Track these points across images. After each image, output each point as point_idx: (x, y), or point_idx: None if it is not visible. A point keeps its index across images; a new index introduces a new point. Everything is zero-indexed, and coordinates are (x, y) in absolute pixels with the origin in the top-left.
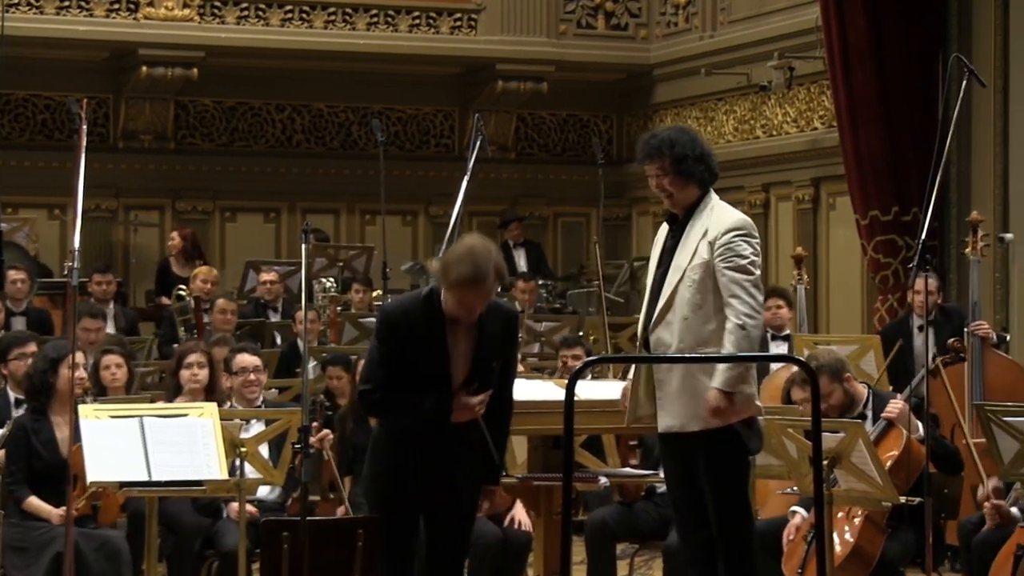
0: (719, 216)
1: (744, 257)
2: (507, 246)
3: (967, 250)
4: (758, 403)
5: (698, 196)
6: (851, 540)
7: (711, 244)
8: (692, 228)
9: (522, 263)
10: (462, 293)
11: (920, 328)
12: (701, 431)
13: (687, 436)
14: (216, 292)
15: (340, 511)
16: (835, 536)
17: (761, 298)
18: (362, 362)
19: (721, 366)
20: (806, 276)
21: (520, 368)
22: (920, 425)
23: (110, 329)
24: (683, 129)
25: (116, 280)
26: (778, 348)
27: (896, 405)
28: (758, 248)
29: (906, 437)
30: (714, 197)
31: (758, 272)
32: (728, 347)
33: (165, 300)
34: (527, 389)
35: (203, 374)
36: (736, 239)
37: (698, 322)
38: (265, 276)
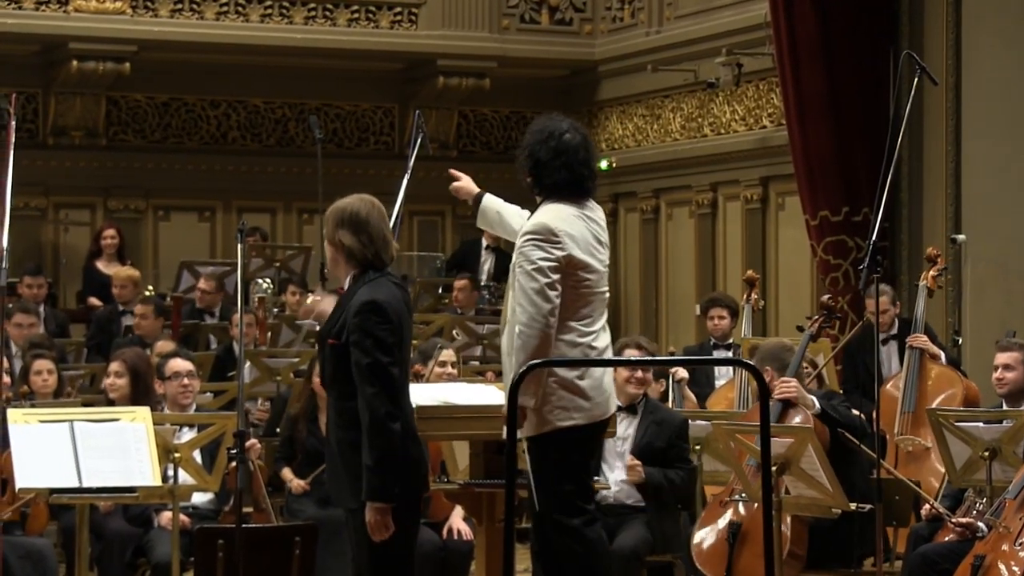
0: (531, 220)
1: (532, 263)
2: (478, 245)
3: (921, 281)
4: (576, 415)
5: (540, 200)
6: (785, 544)
7: (516, 248)
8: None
9: (487, 267)
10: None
11: (884, 341)
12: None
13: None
14: (137, 294)
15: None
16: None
17: (546, 306)
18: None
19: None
20: (754, 296)
21: (448, 370)
22: (816, 400)
23: (40, 331)
24: (544, 130)
25: (47, 281)
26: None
27: (788, 384)
28: (555, 252)
29: (810, 416)
30: (550, 201)
31: (548, 277)
32: (514, 355)
33: (94, 301)
34: (468, 393)
35: (120, 383)
36: (527, 244)
37: (513, 327)
38: (203, 284)
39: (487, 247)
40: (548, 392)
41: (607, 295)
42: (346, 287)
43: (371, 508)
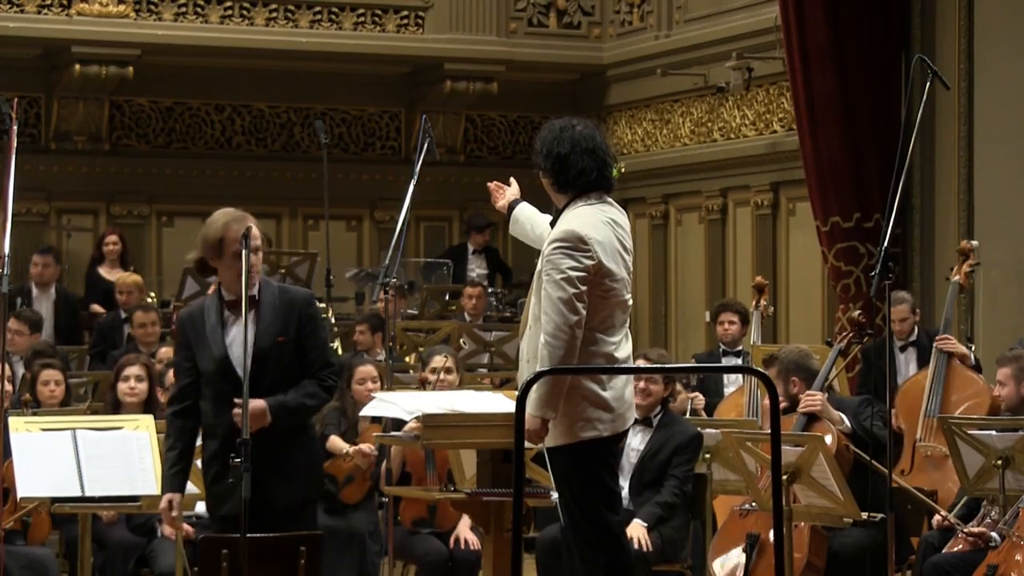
0: (558, 226)
1: (560, 272)
2: (463, 250)
3: (952, 276)
4: (599, 426)
5: (565, 201)
6: (801, 555)
7: (543, 255)
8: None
9: (479, 270)
10: (233, 230)
11: (902, 348)
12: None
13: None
14: (139, 300)
15: None
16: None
17: (574, 317)
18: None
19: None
20: (764, 302)
21: (440, 376)
22: (844, 417)
23: (49, 312)
24: (555, 126)
25: (57, 264)
26: (728, 363)
27: (814, 398)
28: (585, 261)
29: (835, 431)
30: (577, 205)
31: (577, 288)
32: (538, 365)
33: (97, 308)
34: (476, 401)
35: (141, 387)
36: (556, 252)
37: (536, 333)
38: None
39: (474, 251)
40: (573, 403)
41: (630, 303)
42: (260, 293)
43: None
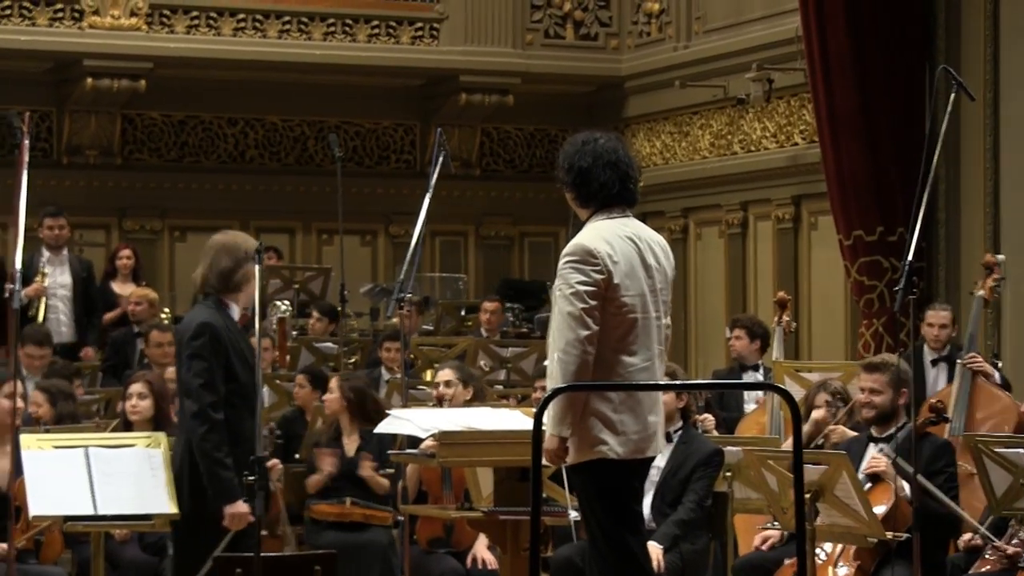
0: (571, 241)
1: (570, 286)
2: None
3: (976, 290)
4: (603, 448)
5: (587, 215)
6: None
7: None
8: None
9: None
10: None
11: (933, 362)
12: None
13: None
14: (153, 314)
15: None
16: None
17: (584, 332)
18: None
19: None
20: (786, 318)
21: (442, 389)
22: (906, 485)
23: (66, 277)
24: (577, 140)
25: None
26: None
27: (880, 461)
28: (594, 275)
29: (894, 493)
30: (597, 219)
31: (586, 303)
32: (550, 382)
33: (111, 315)
34: (492, 418)
35: (143, 405)
36: (566, 266)
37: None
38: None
39: None
40: (585, 422)
41: (659, 323)
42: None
43: None
